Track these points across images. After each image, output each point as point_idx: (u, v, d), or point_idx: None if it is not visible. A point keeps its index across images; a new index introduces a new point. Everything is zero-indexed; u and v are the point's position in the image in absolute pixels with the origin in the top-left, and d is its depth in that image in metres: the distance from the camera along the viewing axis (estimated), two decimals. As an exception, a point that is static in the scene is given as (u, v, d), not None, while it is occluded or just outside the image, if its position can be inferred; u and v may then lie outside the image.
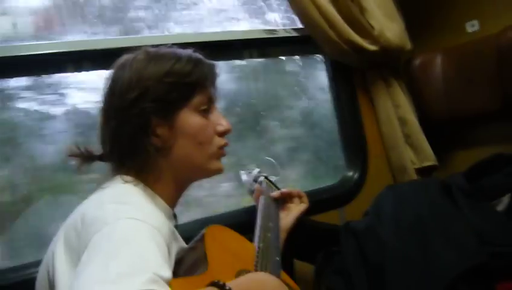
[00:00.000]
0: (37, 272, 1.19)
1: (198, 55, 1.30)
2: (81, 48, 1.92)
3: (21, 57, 1.81)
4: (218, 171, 1.35)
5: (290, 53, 2.65)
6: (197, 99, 1.26)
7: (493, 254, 1.59)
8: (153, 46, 1.31)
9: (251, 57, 2.50)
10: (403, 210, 1.80)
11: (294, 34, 2.45)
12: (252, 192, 1.86)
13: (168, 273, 0.86)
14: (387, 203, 1.89)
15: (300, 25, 2.43)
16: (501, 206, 1.84)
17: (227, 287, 0.85)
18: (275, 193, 1.78)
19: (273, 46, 2.52)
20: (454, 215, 1.75)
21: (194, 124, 1.25)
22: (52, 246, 1.10)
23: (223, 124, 1.32)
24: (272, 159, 2.13)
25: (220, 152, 1.33)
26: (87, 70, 1.98)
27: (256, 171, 1.93)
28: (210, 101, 1.31)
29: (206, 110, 1.28)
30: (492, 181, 1.90)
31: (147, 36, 2.15)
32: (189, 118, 1.25)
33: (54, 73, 1.96)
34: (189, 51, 1.29)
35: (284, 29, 2.44)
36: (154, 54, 1.25)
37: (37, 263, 1.26)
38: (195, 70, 1.25)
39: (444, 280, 1.51)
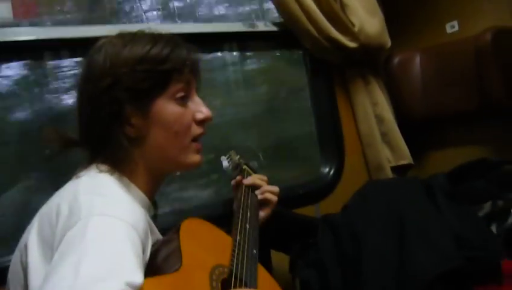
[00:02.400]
0: (8, 262, 1.16)
1: (177, 39, 1.23)
2: (59, 36, 1.88)
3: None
4: (194, 164, 1.29)
5: (269, 47, 2.64)
6: (174, 87, 1.20)
7: (469, 258, 1.60)
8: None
9: (231, 50, 2.48)
10: (383, 207, 1.80)
11: (274, 28, 2.44)
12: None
13: (140, 278, 0.84)
14: (368, 198, 1.88)
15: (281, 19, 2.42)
16: (482, 213, 1.86)
17: None
18: (248, 180, 1.72)
19: (253, 40, 2.51)
20: (434, 216, 1.75)
21: (170, 113, 1.20)
22: (26, 236, 1.07)
23: (202, 111, 1.26)
24: (252, 147, 2.11)
25: (195, 145, 1.27)
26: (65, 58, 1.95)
27: (236, 158, 1.90)
28: (188, 88, 1.25)
29: (184, 98, 1.23)
30: (475, 186, 1.91)
31: (124, 26, 2.10)
32: (165, 107, 1.19)
33: (31, 59, 1.93)
34: (167, 35, 1.23)
35: (264, 24, 2.43)
36: (130, 39, 1.19)
37: (9, 253, 1.25)
38: (172, 56, 1.19)
39: (420, 281, 1.52)
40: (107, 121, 1.15)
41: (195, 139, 1.27)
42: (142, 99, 1.17)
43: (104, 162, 1.18)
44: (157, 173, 1.27)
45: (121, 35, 1.21)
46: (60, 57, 1.93)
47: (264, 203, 1.72)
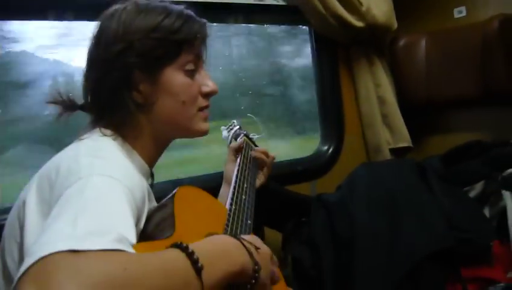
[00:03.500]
0: (4, 219, 1.16)
1: (190, 12, 1.25)
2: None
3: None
4: (203, 132, 1.32)
5: (275, 21, 2.63)
6: (184, 58, 1.22)
7: (460, 240, 1.61)
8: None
9: (236, 22, 2.47)
10: (376, 188, 1.82)
11: (282, 2, 2.42)
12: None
13: (133, 237, 0.84)
14: (362, 179, 1.90)
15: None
16: (473, 193, 1.86)
17: (189, 250, 0.83)
18: (253, 152, 1.76)
19: (259, 13, 2.48)
20: (427, 197, 1.77)
21: (178, 83, 1.22)
22: (24, 194, 1.07)
23: (208, 84, 1.29)
24: (253, 117, 2.10)
25: (202, 114, 1.30)
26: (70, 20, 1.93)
27: (236, 128, 1.90)
28: (197, 61, 1.27)
29: (192, 70, 1.25)
30: (468, 167, 1.92)
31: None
32: (173, 76, 1.21)
33: (34, 19, 1.92)
34: (180, 7, 1.25)
35: (272, -3, 2.41)
36: (144, 7, 1.21)
37: (4, 211, 1.24)
38: (184, 28, 1.21)
39: (410, 259, 1.53)
40: (116, 85, 1.17)
41: (201, 109, 1.29)
42: (152, 67, 1.19)
43: (107, 126, 1.19)
44: (162, 140, 1.29)
45: (135, 3, 1.22)
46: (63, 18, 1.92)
47: (259, 168, 1.75)
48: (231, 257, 0.93)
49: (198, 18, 1.26)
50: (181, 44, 1.21)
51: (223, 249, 0.94)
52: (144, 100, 1.20)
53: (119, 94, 1.18)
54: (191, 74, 1.25)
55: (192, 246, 0.84)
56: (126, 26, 1.17)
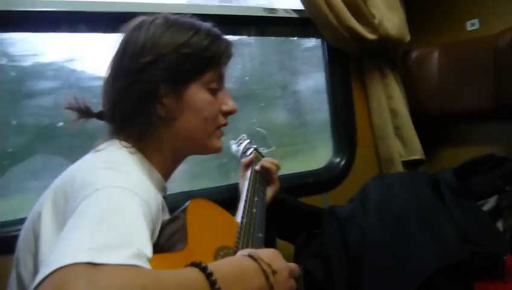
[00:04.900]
0: (18, 230, 1.17)
1: (217, 31, 1.28)
2: (77, 9, 1.89)
3: (15, 12, 1.78)
4: (217, 150, 1.34)
5: (288, 34, 2.64)
6: (209, 76, 1.24)
7: (473, 253, 1.59)
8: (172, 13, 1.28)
9: (248, 34, 2.48)
10: (388, 201, 1.81)
11: (294, 15, 2.43)
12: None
13: (150, 252, 0.85)
14: (374, 192, 1.89)
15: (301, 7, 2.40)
16: (487, 207, 1.85)
17: (208, 271, 0.84)
18: (263, 162, 1.76)
19: (272, 26, 2.50)
20: (440, 210, 1.75)
21: (202, 100, 1.24)
22: (39, 206, 1.07)
23: (229, 103, 1.32)
24: (263, 131, 2.11)
25: (219, 132, 1.33)
26: (82, 32, 1.95)
27: (246, 142, 1.91)
28: (220, 79, 1.30)
29: (215, 89, 1.27)
30: (482, 181, 1.91)
31: (141, 3, 2.07)
32: (198, 93, 1.23)
33: (47, 31, 1.93)
34: (208, 25, 1.27)
35: (284, 10, 2.42)
36: (173, 22, 1.23)
37: (18, 221, 1.24)
38: (212, 46, 1.23)
39: (423, 274, 1.52)
40: (140, 97, 1.18)
41: (218, 127, 1.32)
42: (178, 82, 1.20)
43: (127, 138, 1.21)
44: (179, 155, 1.31)
45: (165, 17, 1.24)
46: (76, 30, 1.93)
47: (269, 180, 1.76)
48: (248, 281, 0.94)
49: (224, 38, 1.29)
50: (208, 61, 1.24)
51: (240, 273, 0.94)
52: (167, 114, 1.21)
53: (143, 106, 1.19)
54: (214, 91, 1.27)
55: (210, 267, 0.84)
56: (155, 39, 1.19)
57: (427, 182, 1.89)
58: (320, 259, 1.79)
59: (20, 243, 1.12)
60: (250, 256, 1.00)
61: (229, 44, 1.30)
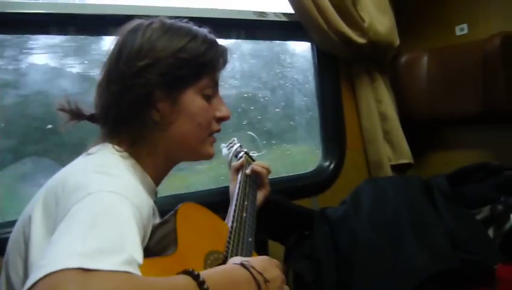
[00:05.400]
0: (8, 232, 1.16)
1: (214, 37, 1.28)
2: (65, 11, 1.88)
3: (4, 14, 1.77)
4: (209, 156, 1.34)
5: (278, 37, 2.64)
6: (204, 82, 1.24)
7: (464, 261, 1.60)
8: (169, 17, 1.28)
9: (238, 37, 2.47)
10: (381, 205, 1.81)
11: (284, 18, 2.43)
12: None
13: (140, 258, 0.84)
14: (367, 195, 1.89)
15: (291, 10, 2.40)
16: (480, 216, 1.85)
17: (200, 279, 0.83)
18: (253, 166, 1.77)
19: (262, 29, 2.49)
20: (432, 216, 1.75)
21: (197, 105, 1.24)
22: (29, 209, 1.06)
23: (222, 110, 1.32)
24: (253, 135, 2.12)
25: (211, 138, 1.33)
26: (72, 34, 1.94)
27: (236, 146, 1.91)
28: (215, 85, 1.30)
29: (210, 95, 1.27)
30: (475, 190, 1.90)
31: (132, 5, 2.07)
32: (192, 98, 1.23)
33: (36, 34, 1.93)
34: (205, 30, 1.27)
35: (274, 13, 2.42)
36: (170, 26, 1.23)
37: (8, 224, 1.23)
38: (208, 52, 1.23)
39: (413, 280, 1.52)
40: (135, 101, 1.17)
41: (211, 133, 1.32)
42: (173, 87, 1.20)
43: (120, 142, 1.20)
44: (171, 160, 1.31)
45: (161, 21, 1.24)
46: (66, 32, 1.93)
47: (260, 185, 1.77)
48: (240, 289, 0.94)
49: (221, 44, 1.29)
50: (204, 67, 1.24)
51: (232, 281, 0.94)
52: (161, 119, 1.21)
53: (137, 110, 1.18)
54: (208, 98, 1.27)
55: (203, 275, 0.84)
56: (152, 43, 1.18)
57: (420, 187, 1.89)
58: (310, 262, 1.79)
59: (10, 246, 1.11)
60: (242, 265, 1.00)
61: (224, 50, 1.30)
